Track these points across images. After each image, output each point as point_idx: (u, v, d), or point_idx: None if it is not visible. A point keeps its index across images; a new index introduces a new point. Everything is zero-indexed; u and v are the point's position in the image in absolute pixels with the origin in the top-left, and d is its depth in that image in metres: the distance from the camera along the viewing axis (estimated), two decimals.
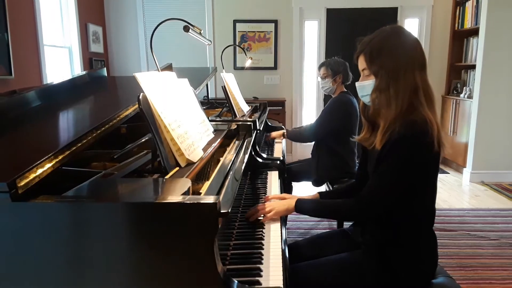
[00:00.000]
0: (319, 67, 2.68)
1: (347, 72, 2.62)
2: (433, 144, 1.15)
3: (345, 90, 2.64)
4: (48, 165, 0.89)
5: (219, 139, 1.54)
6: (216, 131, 1.66)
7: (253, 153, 1.87)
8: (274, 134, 2.87)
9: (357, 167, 1.63)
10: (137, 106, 1.07)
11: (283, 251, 1.13)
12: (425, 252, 1.28)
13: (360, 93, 1.32)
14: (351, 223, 1.60)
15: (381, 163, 1.22)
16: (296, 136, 2.85)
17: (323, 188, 2.87)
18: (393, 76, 1.19)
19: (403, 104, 1.18)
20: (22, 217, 0.81)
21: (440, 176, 4.44)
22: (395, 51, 1.20)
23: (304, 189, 3.58)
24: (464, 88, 4.53)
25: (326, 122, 2.58)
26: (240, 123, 1.96)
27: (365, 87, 1.27)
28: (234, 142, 1.71)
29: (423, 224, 1.28)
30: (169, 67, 2.12)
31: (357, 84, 1.31)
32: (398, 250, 1.27)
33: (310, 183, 2.79)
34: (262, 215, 1.32)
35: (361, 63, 1.27)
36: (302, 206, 1.35)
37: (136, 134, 1.48)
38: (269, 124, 3.25)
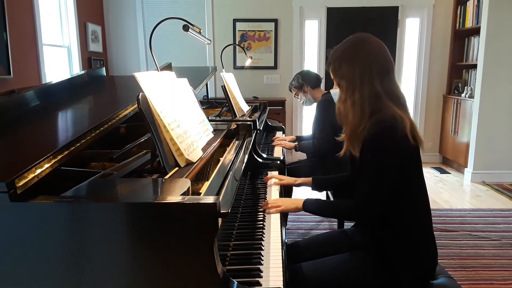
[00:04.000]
0: (289, 90, 2.78)
1: (311, 76, 2.65)
2: (407, 138, 1.17)
3: (324, 91, 2.66)
4: (47, 165, 0.88)
5: (218, 139, 1.54)
6: (215, 131, 1.65)
7: (253, 153, 1.86)
8: (284, 143, 2.63)
9: None
10: (136, 105, 1.06)
11: (283, 252, 1.13)
12: (424, 251, 1.28)
13: (335, 101, 1.37)
14: (352, 224, 1.60)
15: (364, 164, 1.25)
16: (309, 150, 2.62)
17: (324, 192, 2.86)
18: (351, 87, 1.24)
19: (364, 112, 1.22)
20: (21, 217, 0.81)
21: (441, 176, 4.43)
22: (352, 62, 1.25)
23: (304, 190, 3.56)
24: (465, 87, 4.52)
25: (326, 125, 2.46)
26: (240, 123, 1.95)
27: (336, 95, 1.35)
28: (234, 142, 1.70)
29: (419, 223, 1.28)
30: (168, 67, 2.12)
31: (331, 91, 1.41)
32: (397, 250, 1.27)
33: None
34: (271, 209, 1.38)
35: (331, 74, 1.34)
36: (309, 207, 1.38)
37: (135, 134, 1.47)
38: (269, 124, 3.24)
